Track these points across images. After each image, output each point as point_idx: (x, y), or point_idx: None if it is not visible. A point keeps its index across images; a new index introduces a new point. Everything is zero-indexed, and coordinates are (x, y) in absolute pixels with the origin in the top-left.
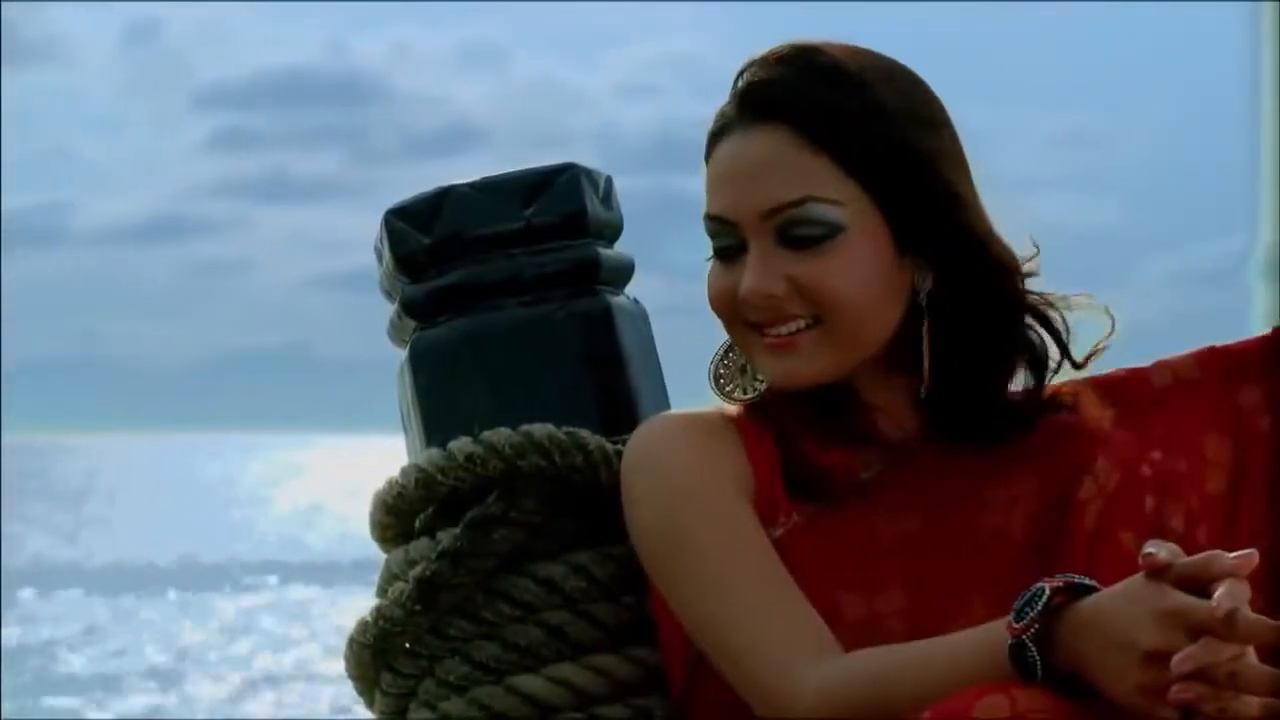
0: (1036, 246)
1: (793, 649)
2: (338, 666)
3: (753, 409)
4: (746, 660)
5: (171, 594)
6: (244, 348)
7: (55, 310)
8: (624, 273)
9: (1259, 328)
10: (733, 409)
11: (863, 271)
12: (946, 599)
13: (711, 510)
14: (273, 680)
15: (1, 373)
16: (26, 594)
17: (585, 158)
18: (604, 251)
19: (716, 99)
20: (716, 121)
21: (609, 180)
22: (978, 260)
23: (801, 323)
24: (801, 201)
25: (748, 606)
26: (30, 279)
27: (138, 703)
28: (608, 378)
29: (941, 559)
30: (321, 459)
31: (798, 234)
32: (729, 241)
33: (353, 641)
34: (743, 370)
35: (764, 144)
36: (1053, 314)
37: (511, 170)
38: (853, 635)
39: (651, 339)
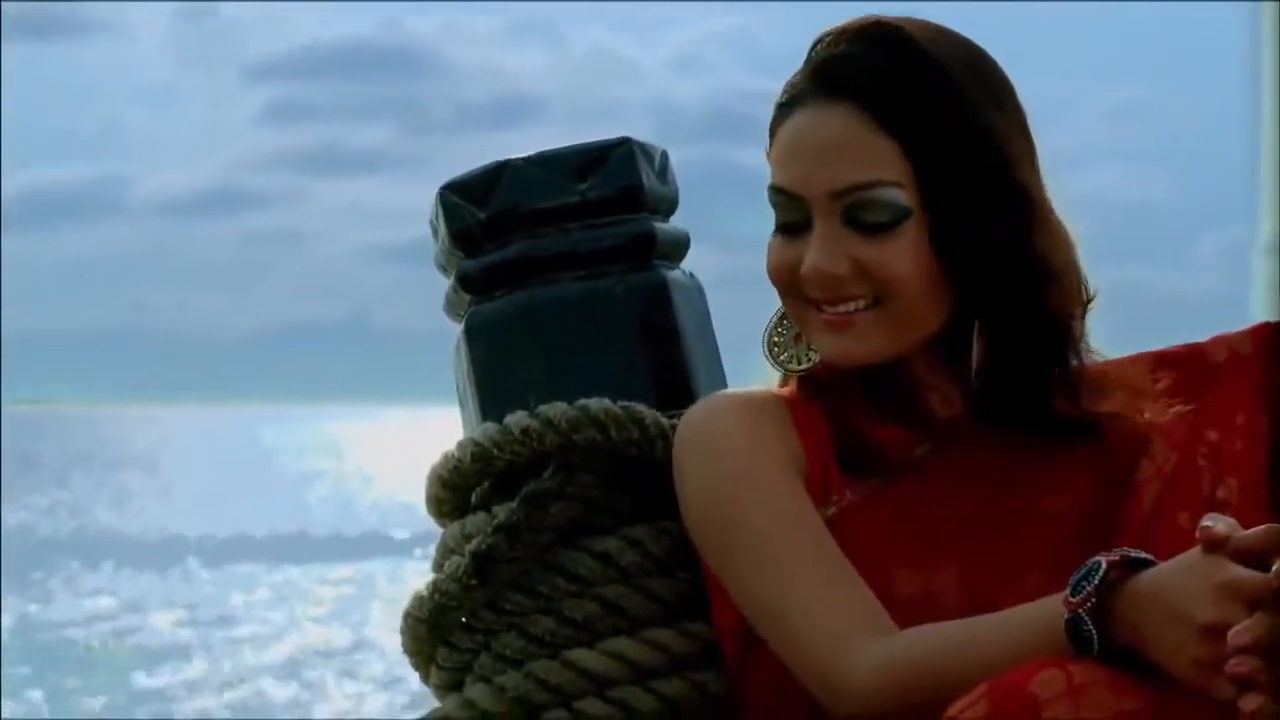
0: (1093, 294)
1: (847, 627)
2: None
3: (805, 384)
4: (801, 640)
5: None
6: (299, 320)
7: (110, 282)
8: (680, 247)
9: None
10: (785, 388)
11: (925, 256)
12: (1001, 578)
13: (763, 491)
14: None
15: (1, 344)
16: (107, 567)
17: (639, 130)
18: (659, 226)
19: (768, 72)
20: (787, 92)
21: (664, 154)
22: (1035, 249)
23: (861, 303)
24: (872, 185)
25: (801, 586)
26: (85, 251)
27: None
28: (663, 352)
29: (996, 539)
30: (377, 431)
31: (865, 217)
32: (794, 216)
33: (408, 616)
34: (797, 339)
35: (838, 122)
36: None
37: (567, 144)
38: (907, 613)
39: (707, 313)
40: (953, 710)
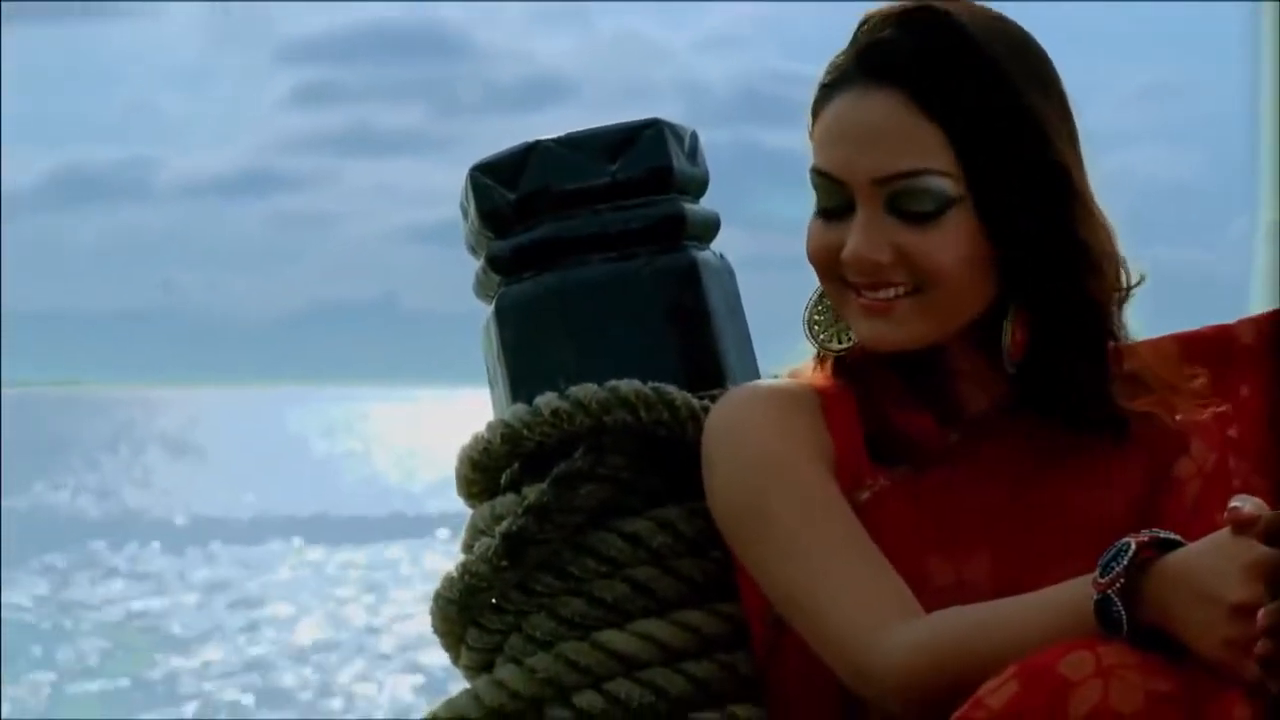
0: (1138, 278)
1: (875, 612)
2: None
3: (838, 367)
4: (829, 625)
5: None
6: (330, 300)
7: (139, 264)
8: (710, 228)
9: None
10: (817, 377)
11: (964, 245)
12: (1032, 568)
13: (791, 480)
14: None
15: (1, 326)
16: (153, 547)
17: (668, 112)
18: (689, 207)
19: (799, 55)
20: (831, 73)
21: (694, 135)
22: (1077, 239)
23: (900, 289)
24: (918, 173)
25: (829, 573)
26: (114, 233)
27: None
28: (694, 333)
29: (1028, 529)
30: (406, 413)
31: (909, 205)
32: (836, 201)
33: (439, 597)
34: (836, 317)
35: (883, 108)
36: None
37: (597, 125)
38: (938, 601)
39: (737, 294)
40: (982, 692)
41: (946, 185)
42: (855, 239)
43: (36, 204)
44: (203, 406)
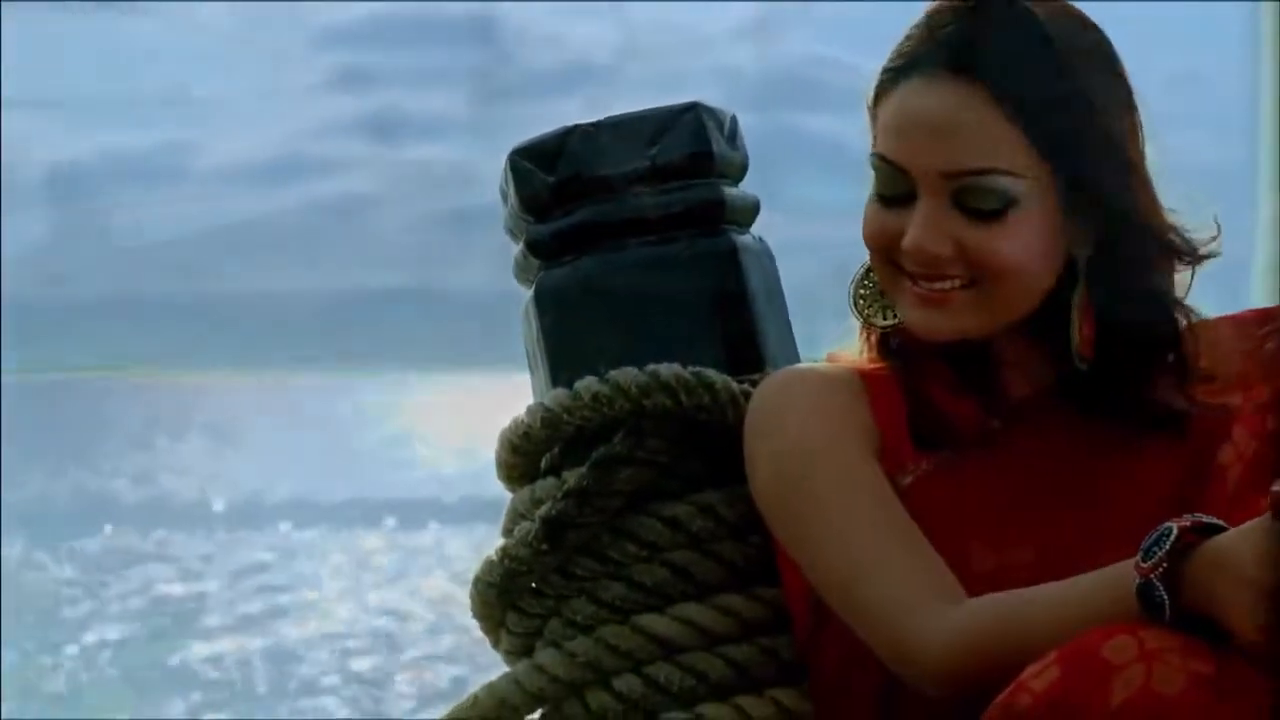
0: (1219, 225)
1: (918, 596)
2: None
3: (882, 349)
4: (872, 609)
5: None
6: (367, 286)
7: (174, 249)
8: (749, 212)
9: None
10: (860, 360)
11: (1030, 243)
12: (1075, 556)
13: (834, 464)
14: None
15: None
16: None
17: (705, 95)
18: (729, 190)
19: (835, 40)
20: (899, 58)
21: (734, 119)
22: (1142, 235)
23: (957, 281)
24: (987, 171)
25: (872, 557)
26: (151, 218)
27: None
28: (733, 317)
29: (1071, 516)
30: (444, 398)
31: (974, 202)
32: (898, 189)
33: (478, 581)
34: (882, 293)
35: (956, 101)
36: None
37: (635, 109)
38: (979, 586)
39: (777, 277)
40: (1025, 676)
41: (1014, 184)
42: (917, 230)
43: (76, 190)
44: (242, 393)
